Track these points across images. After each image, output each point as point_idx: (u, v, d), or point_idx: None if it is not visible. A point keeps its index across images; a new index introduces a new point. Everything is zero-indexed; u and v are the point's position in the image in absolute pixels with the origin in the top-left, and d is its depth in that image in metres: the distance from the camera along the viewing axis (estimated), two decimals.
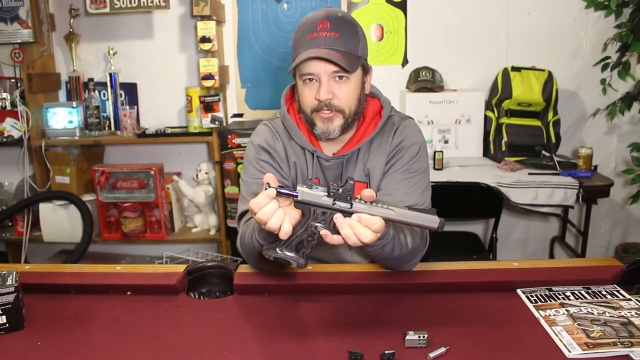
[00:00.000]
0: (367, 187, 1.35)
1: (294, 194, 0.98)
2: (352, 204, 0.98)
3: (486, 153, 2.81)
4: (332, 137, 1.30)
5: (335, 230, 0.99)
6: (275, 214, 0.97)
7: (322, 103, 1.25)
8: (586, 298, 1.15)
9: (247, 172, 1.38)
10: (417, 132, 1.38)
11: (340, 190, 0.98)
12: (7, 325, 1.08)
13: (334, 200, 0.98)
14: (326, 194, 0.98)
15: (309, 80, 1.26)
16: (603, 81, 2.79)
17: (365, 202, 0.98)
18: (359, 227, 0.97)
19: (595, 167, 2.62)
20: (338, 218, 0.98)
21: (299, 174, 1.38)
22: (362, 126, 1.36)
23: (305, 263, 1.01)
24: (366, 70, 1.32)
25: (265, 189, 0.97)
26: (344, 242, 0.99)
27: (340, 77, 1.25)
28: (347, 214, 0.98)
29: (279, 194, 0.98)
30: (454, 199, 2.35)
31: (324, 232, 0.99)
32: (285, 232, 0.97)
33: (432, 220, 0.98)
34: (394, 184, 1.31)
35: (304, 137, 1.35)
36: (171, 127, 2.85)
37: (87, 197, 2.82)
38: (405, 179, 1.31)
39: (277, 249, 1.00)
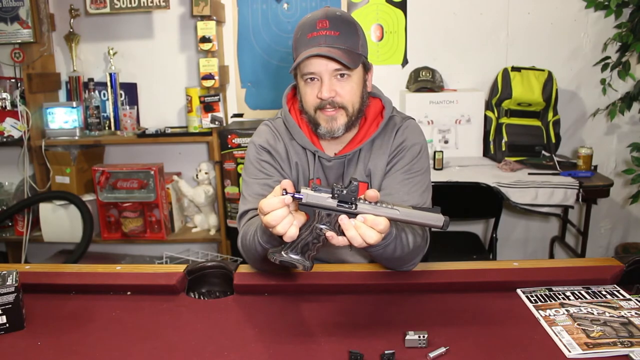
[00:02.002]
0: (368, 187, 1.36)
1: (299, 196, 0.98)
2: (356, 205, 0.98)
3: (486, 153, 2.81)
4: (337, 135, 1.30)
5: (340, 232, 0.99)
6: (285, 219, 0.97)
7: (325, 101, 1.26)
8: (586, 298, 1.15)
9: (248, 172, 1.38)
10: (418, 133, 1.38)
11: (345, 192, 0.97)
12: (7, 325, 1.08)
13: (338, 202, 0.98)
14: (330, 195, 0.97)
15: (311, 79, 1.26)
16: (603, 81, 2.79)
17: (370, 202, 0.98)
18: (364, 228, 0.97)
19: (595, 167, 2.62)
20: (343, 220, 0.97)
21: (301, 174, 1.38)
22: (363, 126, 1.36)
23: (311, 266, 1.00)
24: (367, 68, 1.33)
25: (283, 194, 0.97)
26: (350, 243, 0.99)
27: (342, 75, 1.25)
28: (352, 215, 0.98)
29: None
30: (454, 199, 2.35)
31: (330, 234, 0.98)
32: (290, 236, 0.97)
33: (437, 219, 0.98)
34: (395, 184, 1.31)
35: (306, 137, 1.35)
36: (171, 127, 2.85)
37: (87, 197, 2.82)
38: (407, 179, 1.31)
39: (283, 252, 0.99)
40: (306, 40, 1.23)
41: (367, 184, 1.37)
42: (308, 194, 0.97)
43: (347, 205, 0.97)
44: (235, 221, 1.39)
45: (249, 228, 1.23)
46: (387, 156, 1.35)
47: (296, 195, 0.97)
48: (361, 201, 0.98)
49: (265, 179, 1.34)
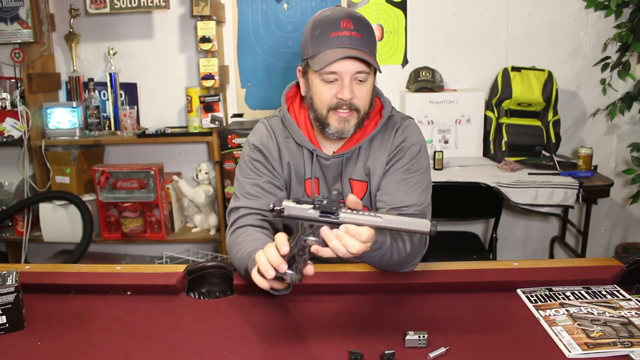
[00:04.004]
0: (367, 186, 1.37)
1: (279, 208, 0.98)
2: (338, 215, 0.97)
3: (486, 153, 2.81)
4: (346, 136, 1.31)
5: (324, 243, 0.98)
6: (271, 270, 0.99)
7: (342, 102, 1.25)
8: (586, 298, 1.15)
9: (242, 170, 1.38)
10: (418, 133, 1.38)
11: (325, 202, 0.97)
12: (7, 325, 1.08)
13: (320, 212, 0.97)
14: (312, 206, 0.97)
15: (331, 79, 1.25)
16: (603, 81, 2.79)
17: (352, 210, 0.97)
18: (347, 238, 0.96)
19: (595, 167, 2.62)
20: (324, 230, 0.97)
21: (293, 173, 1.38)
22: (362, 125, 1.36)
23: (300, 278, 0.99)
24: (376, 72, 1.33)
25: (274, 213, 1.00)
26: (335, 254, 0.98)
27: (362, 78, 1.25)
28: (335, 225, 0.97)
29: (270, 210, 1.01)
30: (454, 199, 2.35)
31: (315, 248, 0.98)
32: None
33: (423, 225, 0.95)
34: (394, 184, 1.31)
35: (304, 136, 1.35)
36: (171, 127, 2.85)
37: (87, 197, 2.82)
38: (406, 178, 1.31)
39: None
40: (329, 39, 1.22)
41: (366, 183, 1.37)
42: (289, 207, 0.98)
43: (328, 216, 0.97)
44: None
45: (245, 243, 1.21)
46: (387, 155, 1.35)
47: (277, 208, 0.99)
48: (343, 210, 0.97)
49: (256, 178, 1.34)
